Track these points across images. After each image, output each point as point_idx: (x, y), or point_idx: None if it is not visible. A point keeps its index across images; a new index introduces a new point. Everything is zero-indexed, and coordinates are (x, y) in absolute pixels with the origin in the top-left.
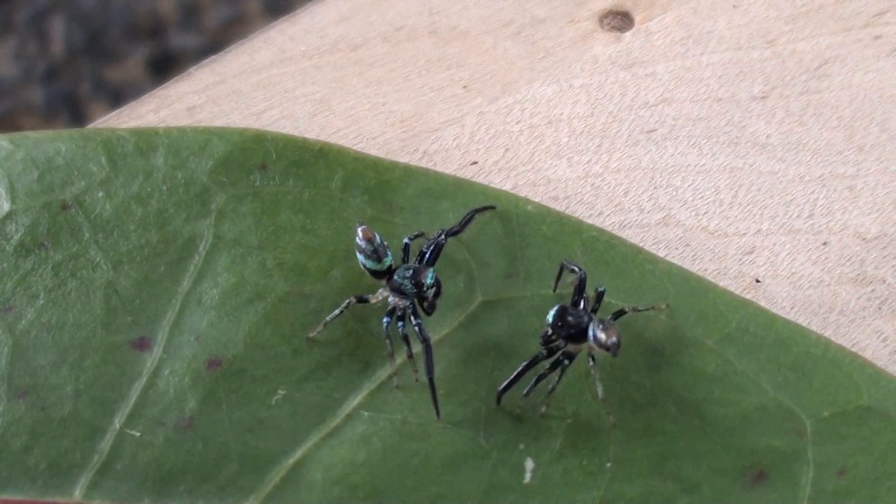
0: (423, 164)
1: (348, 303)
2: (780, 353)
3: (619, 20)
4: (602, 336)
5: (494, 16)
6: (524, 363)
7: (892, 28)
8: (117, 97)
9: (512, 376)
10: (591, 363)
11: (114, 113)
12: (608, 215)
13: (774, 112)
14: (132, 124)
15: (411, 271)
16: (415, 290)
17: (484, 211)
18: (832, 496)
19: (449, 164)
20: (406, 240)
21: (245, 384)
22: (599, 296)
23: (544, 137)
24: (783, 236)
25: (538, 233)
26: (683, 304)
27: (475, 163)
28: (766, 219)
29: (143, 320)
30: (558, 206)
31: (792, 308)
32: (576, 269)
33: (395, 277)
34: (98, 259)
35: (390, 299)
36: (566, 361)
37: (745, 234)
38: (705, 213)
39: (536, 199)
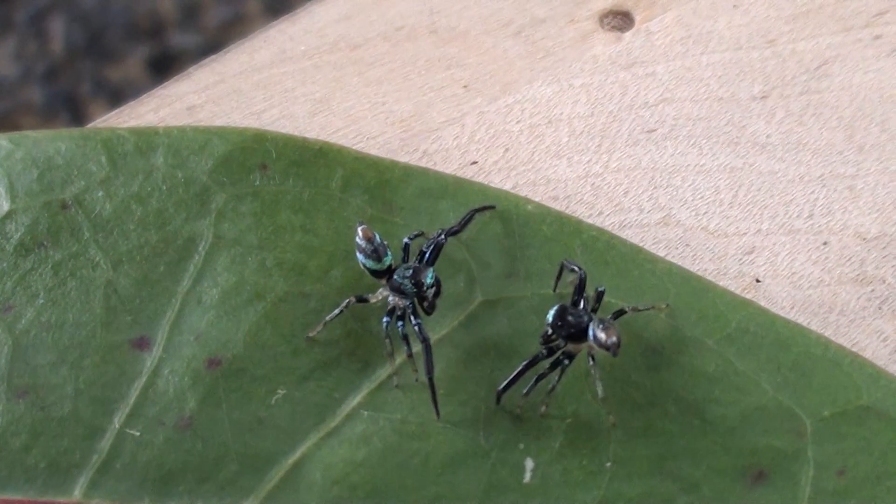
0: (423, 164)
1: (348, 302)
2: (780, 352)
3: (620, 20)
4: (602, 336)
5: (494, 15)
6: (524, 363)
7: (893, 28)
8: (117, 97)
9: (512, 376)
10: (591, 363)
11: (113, 112)
12: (608, 215)
13: (774, 112)
14: (132, 124)
15: (411, 271)
16: (415, 290)
17: (484, 211)
18: (832, 496)
19: (449, 163)
20: (406, 239)
21: (245, 384)
22: (599, 295)
23: (544, 137)
24: (783, 236)
25: (538, 232)
26: (683, 303)
27: (475, 162)
28: (766, 219)
29: (143, 320)
30: (558, 206)
31: (792, 308)
32: (576, 268)
33: (395, 277)
34: (98, 258)
35: (390, 299)
36: (566, 361)
37: (745, 233)
38: (705, 212)
39: (536, 199)
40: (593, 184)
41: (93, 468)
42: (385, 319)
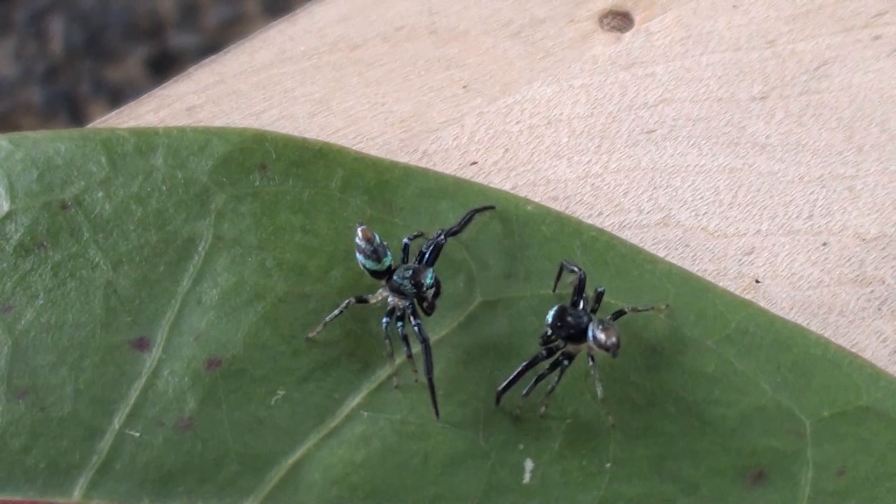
0: (422, 165)
1: (347, 303)
2: (779, 353)
3: (619, 20)
4: (601, 336)
5: (494, 16)
6: (524, 363)
7: (892, 28)
8: (116, 97)
9: (511, 376)
10: (591, 363)
11: (113, 113)
12: (608, 216)
13: (774, 112)
14: (132, 124)
15: (411, 271)
16: (414, 291)
17: (483, 211)
18: (832, 496)
19: (448, 164)
20: (406, 240)
21: (244, 384)
22: (599, 296)
23: (544, 138)
24: (783, 237)
25: (538, 233)
26: (683, 304)
27: (475, 163)
28: (765, 219)
29: (143, 320)
30: (558, 207)
31: (791, 308)
32: (575, 269)
33: (395, 277)
34: (97, 259)
35: (390, 299)
36: (565, 362)
37: (744, 234)
38: (705, 213)
39: (536, 200)
40: (593, 184)
41: (92, 469)
42: (385, 320)
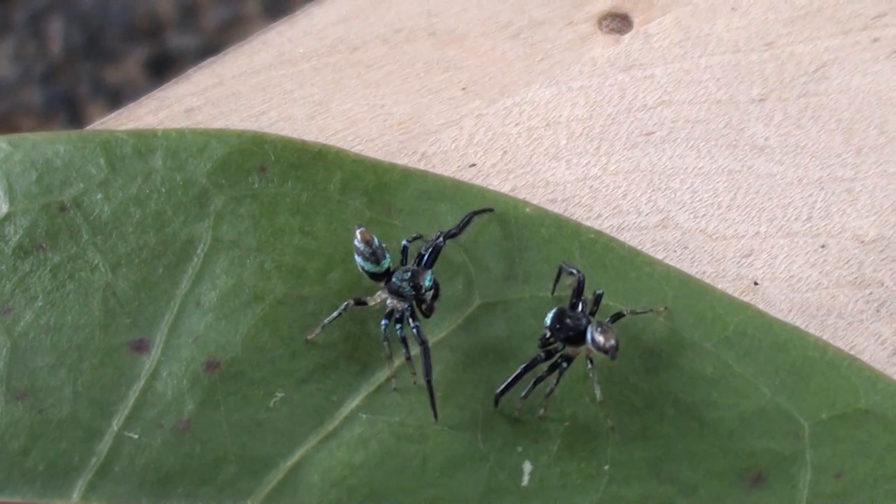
0: (421, 167)
1: (346, 305)
2: (778, 355)
3: (618, 22)
4: (600, 339)
5: (493, 18)
6: (522, 366)
7: (891, 30)
8: (115, 98)
9: (510, 379)
10: (590, 366)
11: (112, 114)
12: (606, 218)
13: (773, 114)
14: (131, 126)
15: (409, 274)
16: (413, 293)
17: (482, 213)
18: (830, 499)
19: (447, 166)
20: (404, 242)
21: (243, 386)
22: (598, 298)
23: (543, 140)
24: (781, 239)
25: (536, 235)
26: (682, 306)
27: (474, 165)
28: (764, 221)
29: (142, 322)
30: (556, 209)
31: (790, 311)
32: (574, 271)
33: (393, 280)
34: (96, 261)
35: (388, 302)
36: (564, 364)
37: (743, 236)
38: (704, 215)
39: (535, 202)
40: (592, 186)
41: (91, 471)
42: (383, 322)
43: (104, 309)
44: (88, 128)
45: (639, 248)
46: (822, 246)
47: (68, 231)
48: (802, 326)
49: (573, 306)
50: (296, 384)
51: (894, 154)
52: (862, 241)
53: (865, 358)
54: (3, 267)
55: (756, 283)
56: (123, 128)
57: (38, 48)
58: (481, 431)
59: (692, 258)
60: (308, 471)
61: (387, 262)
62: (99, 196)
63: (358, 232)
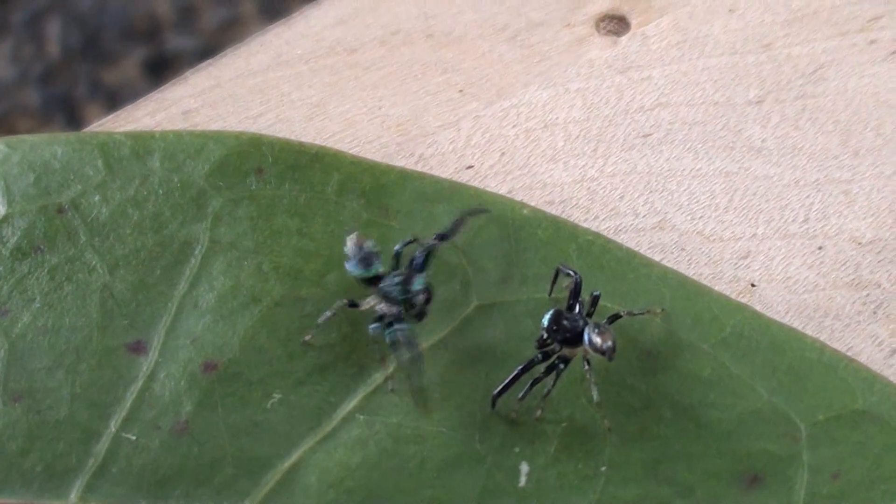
0: (418, 168)
1: (339, 306)
2: (775, 357)
3: (615, 24)
4: (597, 340)
5: (490, 20)
6: (519, 367)
7: (887, 33)
8: (113, 99)
9: (507, 380)
10: (587, 367)
11: (110, 116)
12: (604, 219)
13: (770, 116)
14: (128, 128)
15: (399, 279)
16: (403, 297)
17: (475, 214)
18: (827, 500)
19: (445, 168)
20: (397, 247)
21: (241, 388)
22: (595, 300)
23: (540, 141)
24: (778, 241)
25: (534, 237)
26: (679, 308)
27: (471, 167)
28: (761, 223)
29: (139, 324)
30: (554, 211)
31: (787, 312)
32: (571, 273)
33: (382, 285)
34: (94, 262)
35: (378, 307)
36: (561, 365)
37: (740, 238)
38: (701, 217)
39: (532, 204)
40: (589, 188)
41: (89, 472)
42: (372, 326)
43: (102, 310)
44: (86, 129)
45: (636, 249)
46: (819, 247)
47: (66, 233)
48: (799, 328)
49: (570, 308)
50: (293, 385)
51: (891, 156)
52: (859, 243)
53: (862, 359)
54: (1, 269)
55: (753, 285)
56: (121, 129)
57: (35, 49)
58: (478, 432)
59: (689, 260)
60: (305, 472)
61: (376, 268)
62: (97, 198)
63: (348, 238)
